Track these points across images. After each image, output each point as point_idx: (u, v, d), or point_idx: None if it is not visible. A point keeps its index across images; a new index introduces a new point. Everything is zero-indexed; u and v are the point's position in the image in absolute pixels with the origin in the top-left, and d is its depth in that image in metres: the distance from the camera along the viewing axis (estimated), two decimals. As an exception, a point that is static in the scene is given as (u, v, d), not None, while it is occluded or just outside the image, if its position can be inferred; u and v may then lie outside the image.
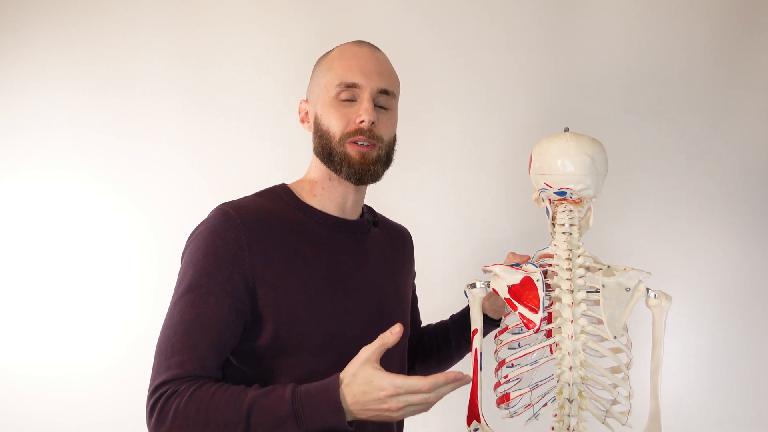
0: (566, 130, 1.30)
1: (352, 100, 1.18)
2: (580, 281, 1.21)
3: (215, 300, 1.07)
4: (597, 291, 1.20)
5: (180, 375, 1.04)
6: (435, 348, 1.45)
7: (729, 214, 1.84)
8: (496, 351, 1.29)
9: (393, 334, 0.99)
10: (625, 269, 1.22)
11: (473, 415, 1.23)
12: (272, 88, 1.88)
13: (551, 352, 1.28)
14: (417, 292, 1.50)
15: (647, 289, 1.22)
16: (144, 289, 1.90)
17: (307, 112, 1.26)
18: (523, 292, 1.21)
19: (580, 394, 1.19)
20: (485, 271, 1.28)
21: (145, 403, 1.05)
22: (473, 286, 1.27)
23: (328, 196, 1.22)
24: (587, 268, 1.23)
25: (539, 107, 1.87)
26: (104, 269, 1.92)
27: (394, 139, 1.24)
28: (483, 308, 1.32)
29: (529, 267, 1.24)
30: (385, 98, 1.20)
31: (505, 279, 1.24)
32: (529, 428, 1.32)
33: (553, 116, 1.85)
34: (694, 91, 1.84)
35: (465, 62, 1.89)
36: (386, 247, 1.32)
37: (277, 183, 1.26)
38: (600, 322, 1.20)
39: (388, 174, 1.27)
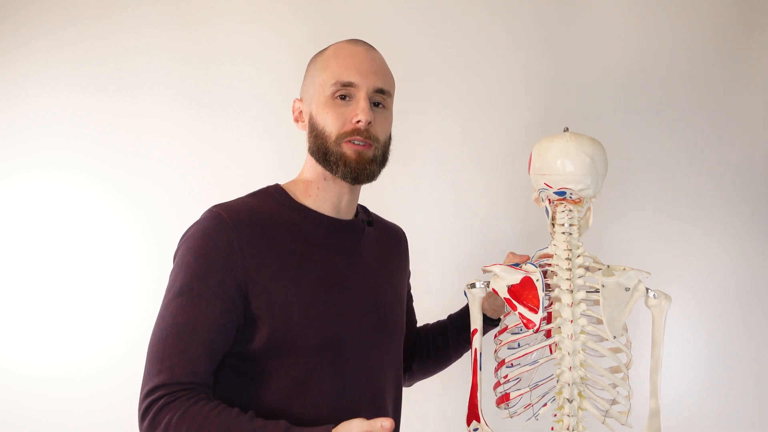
0: (566, 130, 1.30)
1: (348, 99, 1.17)
2: (580, 281, 1.21)
3: (207, 304, 1.07)
4: (597, 291, 1.20)
5: (171, 380, 1.03)
6: (433, 348, 1.44)
7: (729, 214, 1.84)
8: (495, 351, 1.29)
9: (382, 428, 0.94)
10: (624, 269, 1.22)
11: (473, 415, 1.23)
12: (272, 88, 1.88)
13: (551, 352, 1.28)
14: (417, 292, 1.50)
15: (647, 289, 1.22)
16: (144, 289, 1.90)
17: (301, 111, 1.25)
18: (523, 292, 1.21)
19: (579, 394, 1.19)
20: (485, 271, 1.28)
21: (138, 404, 1.05)
22: (473, 286, 1.27)
23: (323, 196, 1.22)
24: (587, 268, 1.23)
25: (539, 107, 1.87)
26: (104, 269, 1.92)
27: (389, 139, 1.24)
28: (482, 308, 1.32)
29: (529, 267, 1.24)
30: (381, 97, 1.20)
31: (504, 279, 1.24)
32: (528, 428, 1.32)
33: (553, 116, 1.85)
34: (694, 91, 1.84)
35: (465, 62, 1.89)
36: (381, 247, 1.32)
37: (276, 183, 1.26)
38: (600, 322, 1.20)
39: (388, 174, 1.27)
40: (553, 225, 1.29)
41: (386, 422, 0.95)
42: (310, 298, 1.13)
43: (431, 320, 1.50)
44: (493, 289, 1.25)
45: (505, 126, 1.88)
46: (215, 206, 1.15)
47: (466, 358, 1.39)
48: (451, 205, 1.89)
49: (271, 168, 1.53)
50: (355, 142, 1.16)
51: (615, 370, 1.25)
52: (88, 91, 1.91)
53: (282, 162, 1.78)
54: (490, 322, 1.39)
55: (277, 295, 1.10)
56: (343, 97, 1.17)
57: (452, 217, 1.89)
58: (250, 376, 1.12)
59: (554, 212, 1.29)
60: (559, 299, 1.21)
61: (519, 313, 1.20)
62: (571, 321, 1.19)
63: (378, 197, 1.49)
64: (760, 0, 1.82)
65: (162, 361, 1.04)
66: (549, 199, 1.29)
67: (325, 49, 1.24)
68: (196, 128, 1.91)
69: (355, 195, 1.26)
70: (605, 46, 1.86)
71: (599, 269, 1.23)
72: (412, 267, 1.46)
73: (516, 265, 1.26)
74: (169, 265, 1.16)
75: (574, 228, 1.25)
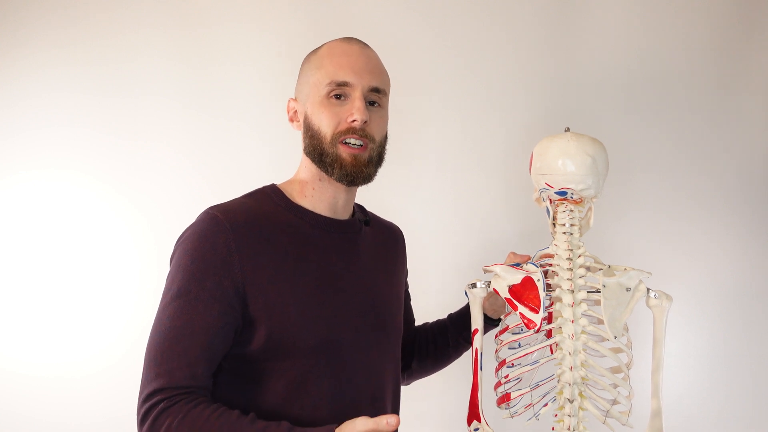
0: (567, 129, 1.30)
1: (343, 99, 1.17)
2: (581, 281, 1.21)
3: (204, 306, 1.06)
4: (597, 291, 1.20)
5: (170, 384, 1.03)
6: (432, 347, 1.44)
7: (729, 214, 1.84)
8: (496, 351, 1.29)
9: (388, 425, 0.95)
10: (625, 269, 1.22)
11: (473, 415, 1.23)
12: (272, 88, 1.88)
13: (552, 352, 1.28)
14: (417, 292, 1.50)
15: (648, 289, 1.22)
16: (144, 290, 1.90)
17: (296, 111, 1.24)
18: (524, 292, 1.21)
19: (580, 394, 1.19)
20: (486, 271, 1.28)
21: (136, 409, 1.05)
22: (474, 285, 1.27)
23: (319, 197, 1.21)
24: (588, 268, 1.23)
25: (539, 107, 1.87)
26: (104, 269, 1.92)
27: (385, 138, 1.23)
28: (483, 308, 1.32)
29: (530, 267, 1.24)
30: (377, 96, 1.19)
31: (505, 279, 1.24)
32: (529, 428, 1.32)
33: (553, 116, 1.85)
34: (694, 91, 1.84)
35: (465, 62, 1.89)
36: (378, 246, 1.32)
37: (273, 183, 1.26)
38: (600, 322, 1.20)
39: (388, 174, 1.27)
40: (554, 225, 1.29)
41: (392, 419, 0.94)
42: (307, 299, 1.12)
43: (431, 320, 1.50)
44: (494, 289, 1.25)
45: (505, 126, 1.88)
46: (211, 207, 1.14)
47: (466, 358, 1.39)
48: (451, 205, 1.89)
49: (270, 168, 1.53)
50: (351, 142, 1.15)
51: (616, 370, 1.25)
52: (88, 91, 1.91)
53: (282, 162, 1.78)
54: (490, 322, 1.39)
55: (274, 296, 1.10)
56: (338, 97, 1.16)
57: (452, 217, 1.89)
58: (249, 378, 1.11)
59: (555, 212, 1.29)
60: (560, 299, 1.21)
61: (520, 313, 1.20)
62: (572, 321, 1.19)
63: (377, 197, 1.49)
64: (760, 0, 1.82)
65: (160, 364, 1.04)
66: (550, 199, 1.29)
67: (319, 47, 1.23)
68: (196, 128, 1.91)
69: (352, 195, 1.25)
70: (605, 46, 1.86)
71: (600, 269, 1.23)
72: (411, 267, 1.46)
73: (517, 265, 1.26)
74: (168, 266, 1.16)
75: (575, 228, 1.25)
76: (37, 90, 1.92)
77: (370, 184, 1.22)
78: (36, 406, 1.90)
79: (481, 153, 1.89)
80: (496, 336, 1.31)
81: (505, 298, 1.23)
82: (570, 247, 1.23)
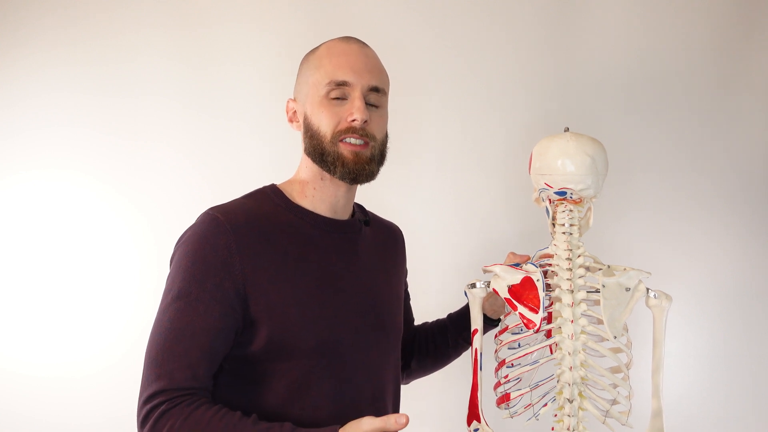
0: (566, 129, 1.30)
1: (342, 99, 1.16)
2: (581, 281, 1.21)
3: (205, 308, 1.06)
4: (597, 291, 1.20)
5: (171, 385, 1.02)
6: (432, 347, 1.44)
7: (729, 214, 1.84)
8: (496, 351, 1.29)
9: (397, 423, 0.94)
10: (625, 269, 1.22)
11: (473, 415, 1.23)
12: (272, 88, 1.87)
13: (551, 352, 1.28)
14: (416, 291, 1.50)
15: (647, 289, 1.22)
16: (144, 290, 1.90)
17: (295, 112, 1.24)
18: (524, 292, 1.21)
19: (580, 394, 1.19)
20: (485, 271, 1.28)
21: (137, 411, 1.04)
22: (473, 286, 1.27)
23: (320, 197, 1.21)
24: (587, 268, 1.22)
25: (539, 107, 1.87)
26: (104, 269, 1.92)
27: (386, 136, 1.23)
28: (483, 308, 1.32)
29: (530, 267, 1.24)
30: (376, 95, 1.18)
31: (505, 279, 1.24)
32: (529, 428, 1.32)
33: (553, 116, 1.85)
34: (694, 92, 1.84)
35: (465, 62, 1.89)
36: (378, 246, 1.31)
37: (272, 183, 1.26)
38: (600, 322, 1.20)
39: (388, 174, 1.27)
40: (553, 225, 1.29)
41: (401, 418, 0.94)
42: (308, 300, 1.12)
43: (431, 320, 1.50)
44: (493, 289, 1.25)
45: (505, 126, 1.88)
46: (211, 209, 1.14)
47: (465, 357, 1.39)
48: (451, 205, 1.89)
49: (270, 168, 1.53)
50: (352, 140, 1.15)
51: (615, 370, 1.25)
52: (88, 91, 1.91)
53: (282, 162, 1.78)
54: (490, 322, 1.39)
55: (275, 297, 1.10)
56: (337, 97, 1.16)
57: (452, 217, 1.89)
58: (249, 379, 1.11)
59: (555, 212, 1.29)
60: (559, 299, 1.21)
61: (519, 313, 1.20)
62: (572, 321, 1.19)
63: (378, 197, 1.49)
64: (760, 0, 1.82)
65: (161, 366, 1.03)
66: (549, 199, 1.29)
67: (318, 47, 1.23)
68: (196, 128, 1.91)
69: (352, 194, 1.25)
70: (605, 46, 1.86)
71: (600, 269, 1.23)
72: (411, 267, 1.46)
73: (516, 265, 1.26)
74: (168, 267, 1.16)
75: (575, 228, 1.25)
76: (37, 90, 1.92)
77: (370, 184, 1.22)
78: (36, 406, 1.90)
79: (481, 153, 1.89)
80: (496, 336, 1.31)
81: (505, 298, 1.23)
82: (569, 247, 1.23)
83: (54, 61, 1.92)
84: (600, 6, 1.85)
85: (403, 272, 1.42)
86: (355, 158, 1.15)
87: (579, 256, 1.23)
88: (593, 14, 1.86)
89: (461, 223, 1.89)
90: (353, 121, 1.14)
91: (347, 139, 1.15)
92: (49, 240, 1.92)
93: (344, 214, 1.25)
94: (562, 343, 1.19)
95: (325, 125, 1.16)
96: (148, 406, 1.02)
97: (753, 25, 1.82)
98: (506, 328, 1.28)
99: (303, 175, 1.23)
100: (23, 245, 1.93)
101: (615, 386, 1.21)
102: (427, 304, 1.59)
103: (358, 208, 1.34)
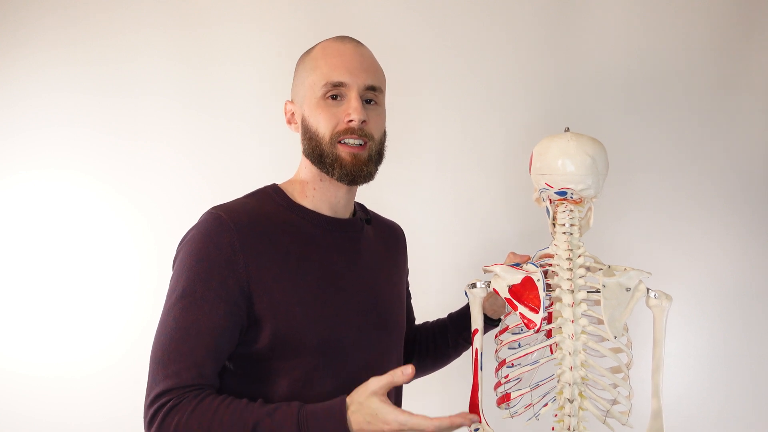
0: (567, 129, 1.30)
1: (339, 99, 1.16)
2: (581, 281, 1.21)
3: (210, 306, 1.06)
4: (597, 291, 1.20)
5: (178, 384, 1.03)
6: (432, 346, 1.44)
7: (729, 214, 1.84)
8: (496, 351, 1.29)
9: (404, 375, 0.97)
10: (625, 269, 1.22)
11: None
12: (272, 88, 1.88)
13: (551, 352, 1.28)
14: (417, 291, 1.50)
15: (647, 289, 1.22)
16: (144, 290, 1.90)
17: (293, 113, 1.24)
18: (524, 292, 1.21)
19: (580, 394, 1.19)
20: (486, 271, 1.28)
21: (143, 413, 1.04)
22: (474, 286, 1.27)
23: (320, 197, 1.21)
24: (588, 268, 1.22)
25: (539, 107, 1.87)
26: (104, 269, 1.92)
27: (384, 135, 1.23)
28: (483, 308, 1.32)
29: (530, 267, 1.24)
30: (373, 94, 1.19)
31: (505, 279, 1.24)
32: (529, 428, 1.32)
33: (553, 116, 1.85)
34: (694, 91, 1.84)
35: (465, 62, 1.89)
36: (380, 245, 1.32)
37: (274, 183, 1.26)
38: (600, 322, 1.20)
39: (388, 174, 1.27)
40: (553, 225, 1.29)
41: (408, 368, 0.97)
42: (310, 299, 1.13)
43: (431, 320, 1.50)
44: (493, 289, 1.25)
45: (505, 126, 1.88)
46: (214, 208, 1.14)
47: (465, 357, 1.39)
48: (451, 205, 1.89)
49: (270, 168, 1.53)
50: (350, 142, 1.15)
51: (616, 370, 1.25)
52: (88, 91, 1.91)
53: (282, 162, 1.78)
54: (490, 322, 1.39)
55: (279, 295, 1.10)
56: (334, 97, 1.16)
57: (452, 217, 1.89)
58: (253, 378, 1.12)
59: (555, 212, 1.29)
60: (559, 299, 1.21)
61: (520, 313, 1.20)
62: (572, 321, 1.19)
63: (377, 197, 1.49)
64: (760, 0, 1.82)
65: (167, 366, 1.04)
66: (550, 199, 1.29)
67: (312, 48, 1.23)
68: (196, 128, 1.91)
69: (352, 193, 1.25)
70: (605, 46, 1.86)
71: (600, 269, 1.23)
72: (411, 266, 1.46)
73: (517, 265, 1.26)
74: (169, 265, 1.16)
75: (575, 228, 1.25)
76: (37, 90, 1.92)
77: (370, 184, 1.22)
78: (36, 406, 1.90)
79: (481, 153, 1.89)
80: (496, 336, 1.31)
81: (505, 298, 1.22)
82: (570, 247, 1.23)
83: (54, 61, 1.92)
84: (600, 6, 1.85)
85: (405, 271, 1.42)
86: (353, 160, 1.16)
87: (579, 256, 1.23)
88: (593, 14, 1.86)
89: (461, 223, 1.89)
90: (350, 121, 1.15)
91: (345, 141, 1.16)
92: (50, 240, 1.92)
93: (345, 213, 1.25)
94: (563, 343, 1.19)
95: (323, 127, 1.16)
96: (155, 406, 1.02)
97: (753, 25, 1.82)
98: (506, 328, 1.28)
99: (303, 175, 1.23)
100: (23, 245, 1.93)
101: (615, 386, 1.21)
102: (427, 304, 1.59)
103: (360, 207, 1.34)
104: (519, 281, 1.22)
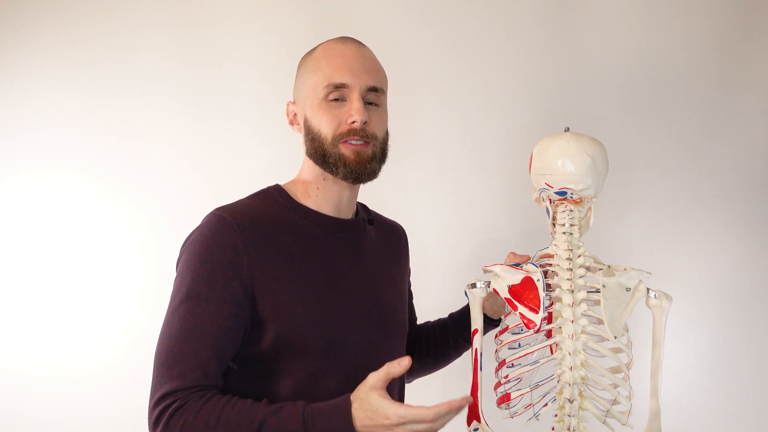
0: (566, 129, 1.30)
1: (341, 100, 1.16)
2: (581, 281, 1.21)
3: (215, 307, 1.06)
4: (597, 291, 1.20)
5: (183, 386, 1.03)
6: (432, 346, 1.44)
7: (729, 214, 1.84)
8: (496, 351, 1.29)
9: (400, 366, 0.97)
10: (625, 269, 1.22)
11: (473, 415, 1.23)
12: (272, 88, 1.88)
13: (551, 352, 1.28)
14: (417, 291, 1.50)
15: (647, 289, 1.22)
16: (144, 290, 1.90)
17: (295, 114, 1.24)
18: (524, 292, 1.21)
19: (580, 394, 1.19)
20: (485, 271, 1.28)
21: (148, 414, 1.04)
22: (474, 286, 1.27)
23: (323, 197, 1.21)
24: (588, 268, 1.23)
25: (539, 107, 1.87)
26: (104, 269, 1.92)
27: (387, 135, 1.23)
28: (483, 308, 1.32)
29: (530, 267, 1.24)
30: (374, 95, 1.19)
31: (505, 279, 1.24)
32: (529, 428, 1.32)
33: (553, 116, 1.85)
34: (694, 91, 1.84)
35: (465, 62, 1.89)
36: (382, 245, 1.32)
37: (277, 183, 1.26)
38: (600, 322, 1.20)
39: (388, 174, 1.27)
40: (553, 225, 1.29)
41: (404, 360, 0.97)
42: (313, 299, 1.13)
43: (431, 320, 1.50)
44: (494, 289, 1.25)
45: (505, 126, 1.88)
46: (217, 209, 1.14)
47: (465, 357, 1.39)
48: (451, 205, 1.89)
49: (271, 168, 1.53)
50: (353, 141, 1.15)
51: (616, 370, 1.25)
52: (88, 91, 1.91)
53: (282, 162, 1.78)
54: (490, 322, 1.39)
55: (282, 296, 1.10)
56: (336, 99, 1.16)
57: (452, 217, 1.89)
58: (257, 378, 1.12)
59: (555, 212, 1.29)
60: (559, 299, 1.21)
61: (520, 313, 1.20)
62: (572, 321, 1.19)
63: (378, 197, 1.49)
64: (760, 0, 1.82)
65: (172, 368, 1.04)
66: (550, 199, 1.29)
67: (314, 49, 1.23)
68: (196, 128, 1.91)
69: (355, 193, 1.25)
70: (605, 46, 1.86)
71: (600, 269, 1.23)
72: (412, 266, 1.46)
73: (517, 265, 1.26)
74: (169, 265, 1.16)
75: (575, 228, 1.25)
76: (37, 90, 1.92)
77: (370, 184, 1.22)
78: (36, 406, 1.90)
79: (481, 153, 1.89)
80: (496, 336, 1.31)
81: (505, 298, 1.23)
82: (570, 247, 1.23)
83: (54, 61, 1.92)
84: (600, 6, 1.85)
85: (407, 271, 1.42)
86: (357, 157, 1.16)
87: (579, 256, 1.23)
88: (593, 14, 1.86)
89: (461, 223, 1.89)
90: (353, 123, 1.15)
91: (348, 141, 1.16)
92: (49, 240, 1.92)
93: (348, 213, 1.25)
94: (563, 343, 1.19)
95: (325, 128, 1.16)
96: (160, 407, 1.02)
97: (753, 25, 1.82)
98: (506, 328, 1.28)
99: (306, 175, 1.23)
100: (23, 245, 1.93)
101: (615, 386, 1.21)
102: (428, 304, 1.59)
103: (362, 208, 1.34)
104: (519, 281, 1.22)
